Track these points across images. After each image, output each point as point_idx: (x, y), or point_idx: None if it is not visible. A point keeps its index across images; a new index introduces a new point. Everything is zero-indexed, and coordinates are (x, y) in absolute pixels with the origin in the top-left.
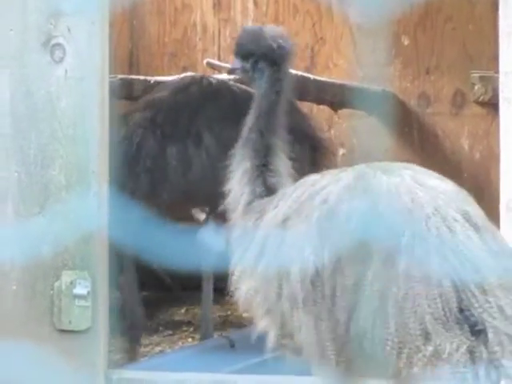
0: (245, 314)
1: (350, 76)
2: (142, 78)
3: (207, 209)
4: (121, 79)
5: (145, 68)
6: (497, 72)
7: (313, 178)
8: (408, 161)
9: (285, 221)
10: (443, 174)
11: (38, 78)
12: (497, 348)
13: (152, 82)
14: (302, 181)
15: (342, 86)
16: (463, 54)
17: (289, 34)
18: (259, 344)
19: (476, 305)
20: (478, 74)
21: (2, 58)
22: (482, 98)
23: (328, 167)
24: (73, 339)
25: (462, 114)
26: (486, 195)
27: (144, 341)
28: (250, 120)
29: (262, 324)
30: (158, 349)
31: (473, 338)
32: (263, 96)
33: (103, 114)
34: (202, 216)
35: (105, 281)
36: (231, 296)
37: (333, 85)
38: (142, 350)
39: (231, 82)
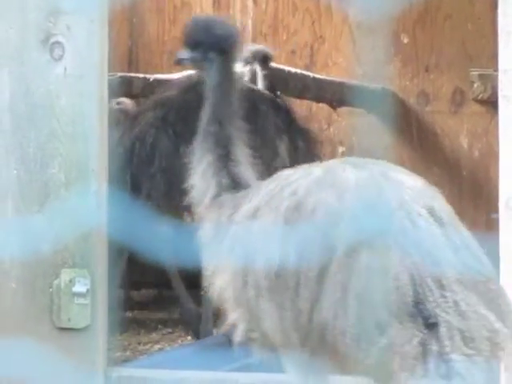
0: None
1: (350, 74)
2: (141, 75)
3: None
4: (120, 77)
5: (144, 66)
6: (496, 70)
7: (286, 172)
8: (407, 159)
9: (255, 212)
10: (442, 172)
11: (37, 76)
12: (447, 342)
13: (151, 79)
14: (276, 175)
15: (341, 84)
16: (462, 52)
17: (288, 32)
18: None
19: (431, 299)
20: (477, 72)
21: (1, 56)
22: (481, 96)
23: (322, 157)
24: (72, 337)
25: (461, 112)
26: (484, 193)
27: (143, 339)
28: (206, 112)
29: (233, 317)
30: (157, 346)
31: (425, 332)
32: (215, 86)
33: (102, 111)
34: None
35: (104, 279)
36: (205, 292)
37: (332, 83)
38: (141, 347)
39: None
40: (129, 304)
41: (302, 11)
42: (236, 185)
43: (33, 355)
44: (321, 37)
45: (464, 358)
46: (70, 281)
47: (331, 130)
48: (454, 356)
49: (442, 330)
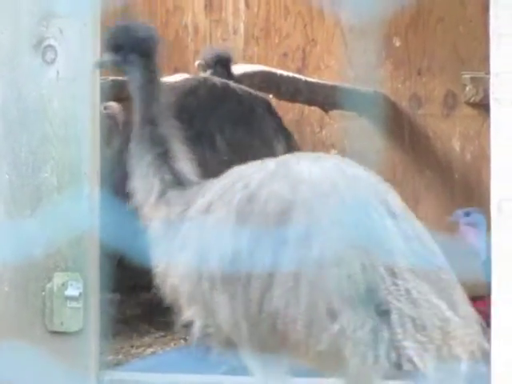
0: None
1: (342, 77)
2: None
3: None
4: (112, 80)
5: None
6: (488, 73)
7: (240, 168)
8: (399, 162)
9: (208, 207)
10: (434, 175)
11: (29, 80)
12: (399, 330)
13: None
14: (230, 171)
15: (333, 87)
16: (454, 55)
17: (280, 35)
18: None
19: (383, 286)
20: (469, 75)
21: None
22: (473, 99)
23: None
24: (64, 341)
25: (454, 115)
26: (476, 196)
27: (136, 342)
28: (137, 114)
29: (189, 313)
30: (150, 350)
31: (377, 319)
32: (140, 88)
33: (95, 115)
34: None
35: (96, 282)
36: (156, 291)
37: (324, 86)
38: (134, 351)
39: (232, 83)
40: (121, 307)
41: (294, 14)
42: (179, 180)
43: (25, 359)
44: (313, 40)
45: (416, 345)
46: (63, 284)
47: (323, 133)
48: (405, 343)
49: (394, 317)
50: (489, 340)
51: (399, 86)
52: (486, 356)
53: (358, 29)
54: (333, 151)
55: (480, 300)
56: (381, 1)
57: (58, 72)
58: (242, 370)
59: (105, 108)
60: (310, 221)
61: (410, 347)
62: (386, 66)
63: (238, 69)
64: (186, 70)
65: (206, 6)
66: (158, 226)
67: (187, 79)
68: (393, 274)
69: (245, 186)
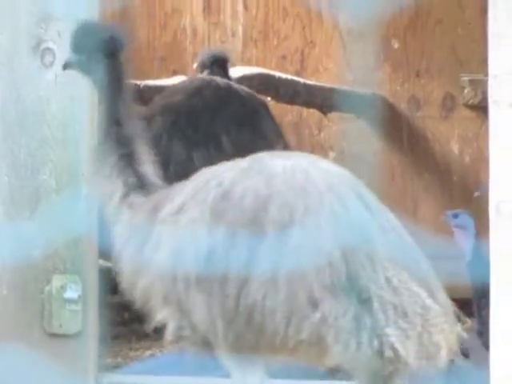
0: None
1: (340, 79)
2: (131, 81)
3: None
4: None
5: (134, 71)
6: (486, 75)
7: (212, 168)
8: (398, 164)
9: (180, 208)
10: (433, 177)
11: (28, 82)
12: (381, 316)
13: (142, 86)
14: (200, 172)
15: (331, 90)
16: (453, 57)
17: (279, 37)
18: None
19: (363, 274)
20: (467, 78)
21: None
22: (471, 101)
23: None
24: (63, 343)
25: (452, 117)
26: (475, 198)
27: (134, 345)
28: (102, 114)
29: (161, 315)
30: (148, 353)
31: (359, 306)
32: (105, 88)
33: (93, 117)
34: None
35: (95, 285)
36: (122, 295)
37: (322, 88)
38: (133, 354)
39: (234, 84)
40: (120, 310)
41: (293, 17)
42: (142, 183)
43: (24, 361)
44: (311, 42)
45: (398, 332)
46: (62, 287)
47: (322, 135)
48: (387, 330)
49: (375, 304)
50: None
51: (398, 88)
52: (463, 344)
53: (356, 31)
54: (331, 153)
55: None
56: (379, 3)
57: (56, 75)
58: None
59: None
60: (287, 213)
61: (392, 334)
62: (385, 68)
63: (236, 71)
64: (184, 73)
65: (204, 9)
66: (121, 229)
67: (192, 80)
68: (373, 262)
69: (218, 184)
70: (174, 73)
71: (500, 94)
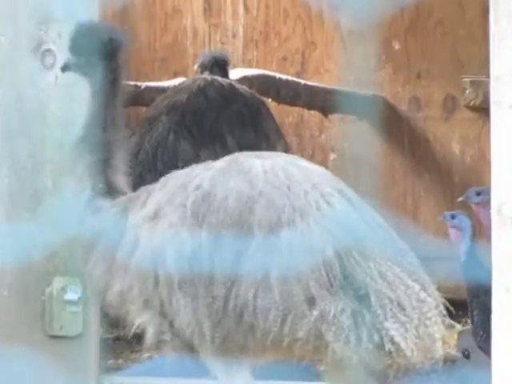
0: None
1: (341, 81)
2: (132, 83)
3: None
4: None
5: (135, 73)
6: (487, 76)
7: (182, 171)
8: (399, 165)
9: (157, 213)
10: (434, 178)
11: (28, 84)
12: (379, 311)
13: (143, 87)
14: (169, 175)
15: (332, 91)
16: (454, 58)
17: (280, 38)
18: None
19: (359, 270)
20: (468, 79)
21: None
22: (472, 102)
23: None
24: (64, 345)
25: (453, 118)
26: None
27: (135, 347)
28: (90, 115)
29: (140, 320)
30: (149, 354)
31: (357, 303)
32: (100, 91)
33: None
34: None
35: None
36: (99, 300)
37: (323, 90)
38: (134, 355)
39: (236, 84)
40: None
41: (294, 18)
42: (111, 191)
43: (25, 363)
44: (312, 43)
45: (397, 325)
46: (62, 289)
47: (323, 136)
48: (387, 324)
49: (373, 299)
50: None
51: (399, 89)
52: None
53: (357, 32)
54: (332, 155)
55: None
56: (380, 4)
57: (56, 77)
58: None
59: None
60: (274, 213)
61: (391, 328)
62: (386, 70)
63: (237, 72)
64: (185, 74)
65: (205, 10)
66: (86, 231)
67: (194, 79)
68: (366, 258)
69: (196, 187)
70: (175, 74)
71: (501, 95)
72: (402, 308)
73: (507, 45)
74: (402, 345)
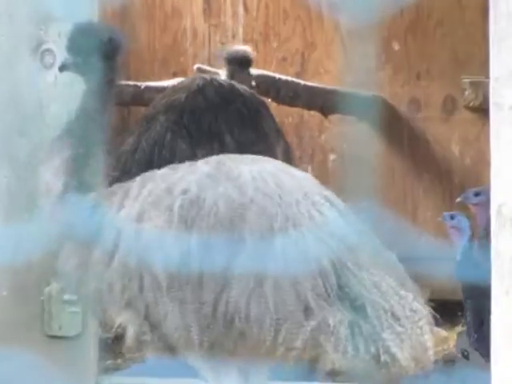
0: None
1: (341, 81)
2: (131, 83)
3: None
4: None
5: (135, 73)
6: (487, 77)
7: (159, 172)
8: (398, 166)
9: (140, 215)
10: (433, 179)
11: (28, 84)
12: (376, 322)
13: (142, 87)
14: (146, 176)
15: (332, 92)
16: (454, 59)
17: (279, 39)
18: None
19: (354, 281)
20: (468, 80)
21: None
22: (472, 103)
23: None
24: (63, 345)
25: (453, 119)
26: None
27: None
28: (79, 112)
29: (120, 320)
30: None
31: (353, 313)
32: (94, 90)
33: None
34: None
35: None
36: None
37: (323, 90)
38: (131, 355)
39: (236, 84)
40: None
41: (293, 18)
42: (84, 188)
43: (23, 363)
44: (312, 44)
45: (393, 336)
46: (61, 289)
47: (322, 137)
48: (384, 335)
49: (369, 310)
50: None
51: (398, 90)
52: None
53: (357, 33)
54: (332, 155)
55: None
56: (380, 5)
57: (56, 76)
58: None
59: None
60: (267, 222)
61: (388, 339)
62: (385, 70)
63: None
64: (184, 75)
65: (204, 10)
66: (56, 227)
67: (193, 78)
68: (360, 268)
69: (183, 190)
70: (174, 75)
71: (501, 96)
72: (396, 318)
73: (507, 45)
74: (398, 355)
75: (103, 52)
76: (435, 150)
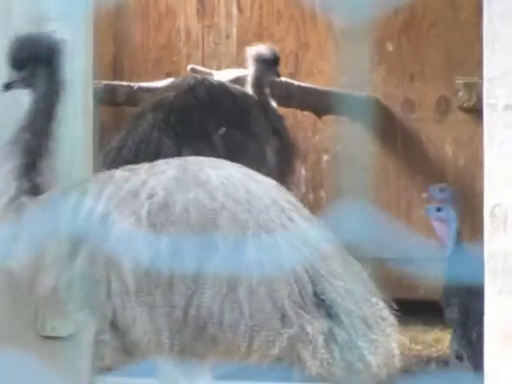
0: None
1: (334, 82)
2: (125, 83)
3: None
4: (104, 85)
5: (129, 73)
6: (481, 78)
7: (119, 174)
8: (392, 167)
9: (104, 217)
10: (427, 180)
11: None
12: (351, 330)
13: (136, 87)
14: (103, 178)
15: (326, 92)
16: (447, 60)
17: (273, 39)
18: None
19: (329, 288)
20: (462, 81)
21: None
22: (466, 104)
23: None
24: (57, 345)
25: (446, 120)
26: (469, 201)
27: None
28: (25, 119)
29: (78, 318)
30: None
31: (330, 321)
32: (41, 97)
33: (87, 119)
34: None
35: None
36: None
37: (317, 91)
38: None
39: (228, 83)
40: None
41: (287, 18)
42: (36, 192)
43: (17, 364)
44: (305, 44)
45: (367, 344)
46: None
47: (316, 138)
48: (360, 343)
49: (344, 318)
50: None
51: (392, 90)
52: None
53: (350, 33)
54: (325, 156)
55: None
56: (374, 5)
57: None
58: (235, 375)
59: None
60: (239, 228)
61: (363, 347)
62: (379, 71)
63: (230, 73)
64: (177, 75)
65: (198, 11)
66: (7, 228)
67: (184, 78)
68: (334, 276)
69: (149, 195)
70: (168, 75)
71: (495, 96)
72: (369, 326)
73: (500, 47)
74: (373, 362)
75: (45, 60)
76: (429, 150)
